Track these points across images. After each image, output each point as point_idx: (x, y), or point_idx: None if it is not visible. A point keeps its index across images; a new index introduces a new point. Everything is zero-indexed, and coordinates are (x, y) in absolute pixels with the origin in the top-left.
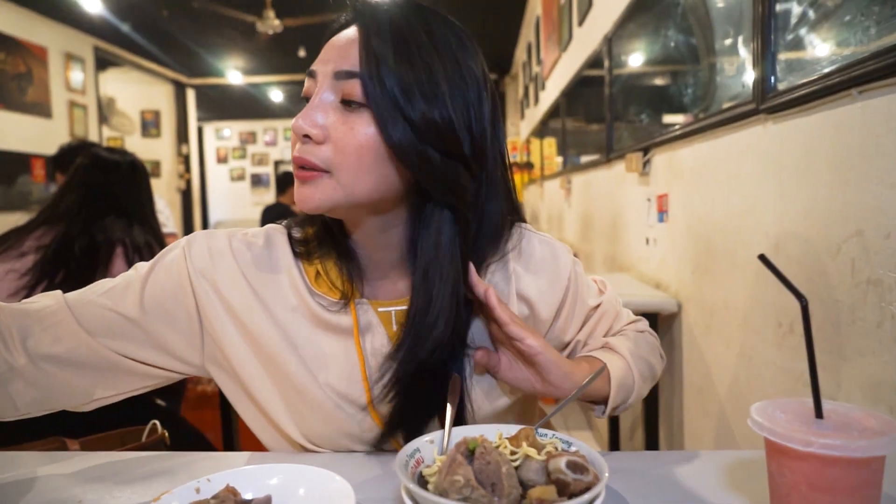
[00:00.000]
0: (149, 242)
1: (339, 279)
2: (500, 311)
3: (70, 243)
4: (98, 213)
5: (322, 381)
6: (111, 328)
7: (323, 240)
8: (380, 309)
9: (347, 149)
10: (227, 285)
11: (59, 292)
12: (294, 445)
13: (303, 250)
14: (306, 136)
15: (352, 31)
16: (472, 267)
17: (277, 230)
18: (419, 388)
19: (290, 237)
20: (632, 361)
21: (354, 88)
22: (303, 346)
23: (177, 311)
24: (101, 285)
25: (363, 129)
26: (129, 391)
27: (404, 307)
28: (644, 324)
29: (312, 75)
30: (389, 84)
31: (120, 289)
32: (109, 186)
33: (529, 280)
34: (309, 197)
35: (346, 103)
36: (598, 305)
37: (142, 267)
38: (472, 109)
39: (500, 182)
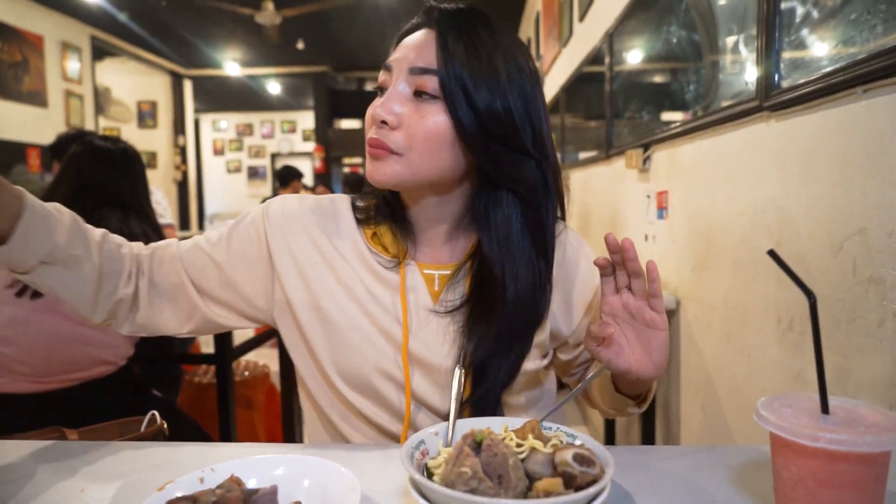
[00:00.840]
0: (146, 232)
1: (391, 242)
2: (638, 264)
3: None
4: (92, 204)
5: (367, 317)
6: (203, 268)
7: (381, 210)
8: (425, 271)
9: (418, 134)
10: (295, 238)
11: (174, 239)
12: (332, 389)
13: (363, 217)
14: (383, 121)
15: (424, 33)
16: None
17: (343, 198)
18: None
19: (353, 205)
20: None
21: (428, 82)
22: (354, 290)
23: (254, 258)
24: (201, 236)
25: (433, 117)
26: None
27: (447, 272)
28: None
29: (388, 68)
30: (461, 78)
31: (214, 238)
32: (103, 176)
33: (568, 272)
34: (380, 172)
35: (419, 94)
36: None
37: (229, 222)
38: (530, 104)
39: (558, 173)
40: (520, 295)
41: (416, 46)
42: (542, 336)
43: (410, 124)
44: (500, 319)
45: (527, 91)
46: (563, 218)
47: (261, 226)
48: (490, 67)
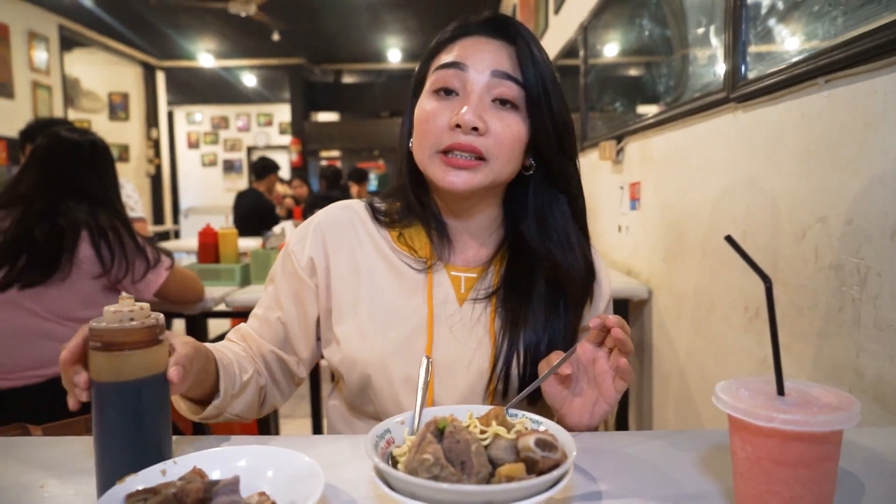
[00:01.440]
0: (114, 225)
1: (421, 244)
2: (624, 342)
3: (29, 228)
4: (58, 196)
5: (392, 319)
6: (283, 336)
7: (412, 211)
8: (452, 273)
9: (504, 141)
10: (329, 255)
11: (244, 329)
12: (358, 390)
13: (386, 220)
14: (474, 128)
15: (499, 38)
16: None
17: (358, 204)
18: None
19: (371, 208)
20: None
21: (511, 90)
22: (379, 293)
23: (306, 294)
24: (257, 307)
25: (515, 125)
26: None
27: (474, 275)
28: None
29: (462, 68)
30: (545, 91)
31: (268, 303)
32: (69, 168)
33: None
34: (465, 181)
35: (501, 102)
36: None
37: (273, 273)
38: (569, 114)
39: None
40: (574, 282)
41: (493, 51)
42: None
43: (497, 131)
44: (535, 310)
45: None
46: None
47: (293, 267)
48: (555, 80)
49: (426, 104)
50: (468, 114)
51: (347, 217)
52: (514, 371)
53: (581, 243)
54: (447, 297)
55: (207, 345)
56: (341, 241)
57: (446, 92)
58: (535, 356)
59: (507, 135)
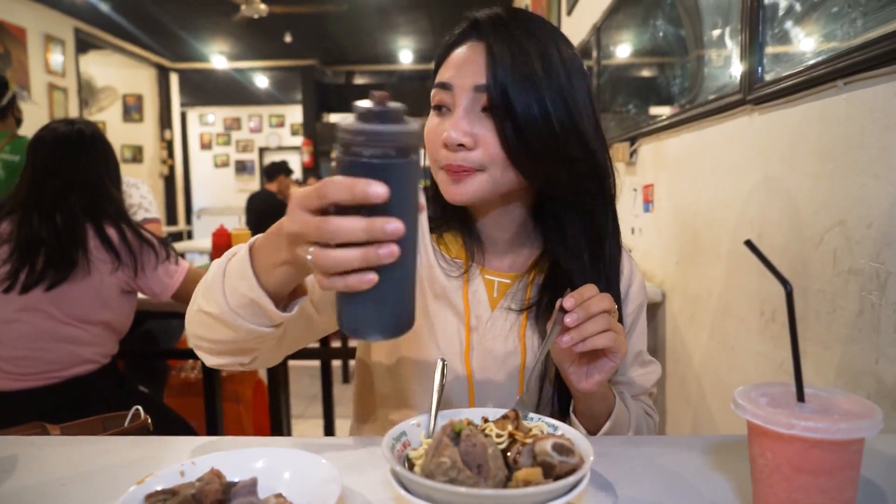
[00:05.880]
0: (108, 212)
1: (458, 249)
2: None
3: (34, 228)
4: (53, 191)
5: (432, 320)
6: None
7: (450, 217)
8: (487, 276)
9: (495, 150)
10: None
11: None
12: (395, 385)
13: (431, 225)
14: (461, 144)
15: (474, 47)
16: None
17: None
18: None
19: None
20: (632, 427)
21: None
22: (422, 291)
23: None
24: None
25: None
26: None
27: (507, 281)
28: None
29: (448, 87)
30: (501, 92)
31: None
32: (59, 160)
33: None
34: (463, 192)
35: (487, 110)
36: (639, 351)
37: None
38: (570, 102)
39: (612, 171)
40: None
41: (471, 62)
42: None
43: (488, 142)
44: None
45: (564, 89)
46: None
47: None
48: (529, 77)
49: (429, 120)
50: (451, 131)
51: None
52: (549, 377)
53: (591, 266)
54: (480, 300)
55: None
56: None
57: (441, 108)
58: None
59: (495, 142)
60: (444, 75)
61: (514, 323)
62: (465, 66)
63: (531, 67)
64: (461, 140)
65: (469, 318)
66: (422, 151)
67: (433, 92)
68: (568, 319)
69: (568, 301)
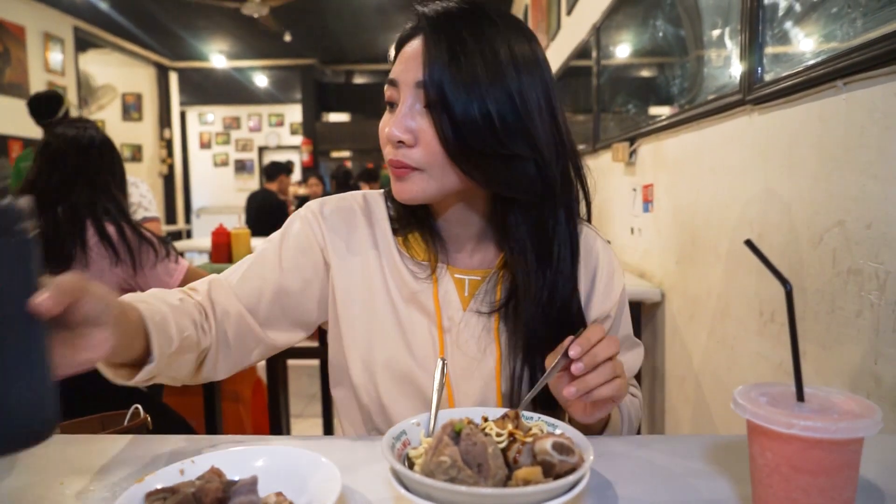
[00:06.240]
0: (109, 210)
1: (422, 248)
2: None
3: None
4: (58, 189)
5: (405, 320)
6: (259, 294)
7: (412, 216)
8: (456, 275)
9: (435, 149)
10: (340, 237)
11: (216, 278)
12: (374, 388)
13: (396, 226)
14: (400, 141)
15: (419, 42)
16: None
17: (377, 198)
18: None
19: (386, 205)
20: (626, 424)
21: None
22: (391, 292)
23: (309, 265)
24: (248, 258)
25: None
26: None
27: (478, 278)
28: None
29: (394, 84)
30: (441, 90)
31: (262, 258)
32: (68, 162)
33: (586, 277)
34: (407, 191)
35: (427, 107)
36: (626, 335)
37: (273, 237)
38: (519, 100)
39: (573, 170)
40: (540, 305)
41: (415, 57)
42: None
43: (427, 140)
44: (525, 328)
45: (511, 87)
46: (589, 214)
47: (315, 230)
48: (470, 74)
49: (383, 117)
50: (392, 128)
51: (368, 209)
52: (525, 377)
53: (539, 265)
54: (450, 299)
55: (132, 297)
56: (360, 228)
57: (391, 106)
58: (542, 365)
59: (437, 141)
60: (393, 71)
61: (487, 321)
62: (410, 61)
63: (471, 65)
64: (400, 137)
65: (441, 320)
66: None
67: (385, 88)
68: (574, 369)
69: (574, 349)
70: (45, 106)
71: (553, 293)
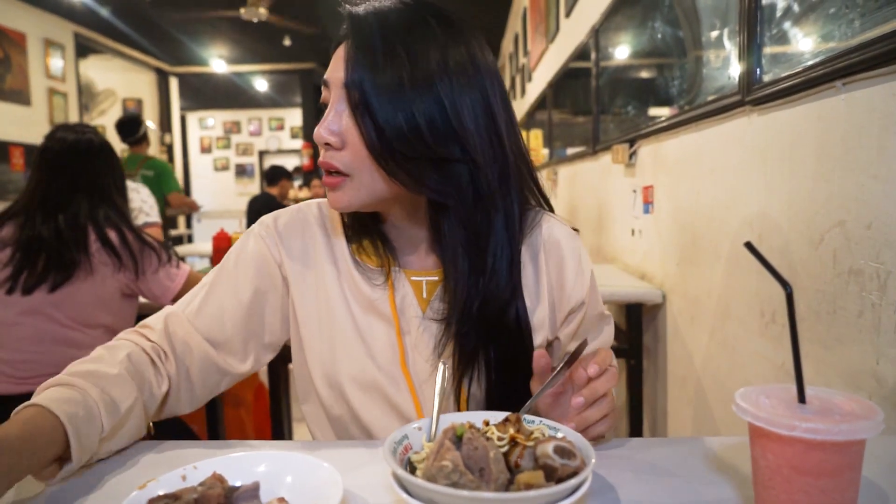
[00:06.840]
0: (110, 216)
1: (374, 253)
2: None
3: (35, 229)
4: (58, 195)
5: (364, 328)
6: (219, 323)
7: (359, 224)
8: (413, 277)
9: (362, 152)
10: (294, 252)
11: (173, 311)
12: (342, 399)
13: (348, 233)
14: (327, 143)
15: (348, 43)
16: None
17: (327, 210)
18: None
19: (340, 216)
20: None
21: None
22: (348, 301)
23: (267, 285)
24: (199, 287)
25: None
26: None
27: (435, 279)
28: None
29: (326, 85)
30: (363, 93)
31: (216, 285)
32: (68, 167)
33: (554, 270)
34: (338, 201)
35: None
36: (600, 312)
37: (228, 259)
38: (450, 105)
39: (515, 175)
40: (470, 314)
41: (343, 58)
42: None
43: (354, 143)
44: (455, 337)
45: (441, 92)
46: (550, 208)
47: (270, 246)
48: (393, 78)
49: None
50: (319, 129)
51: (320, 218)
52: (483, 379)
53: (469, 268)
54: (408, 302)
55: (56, 389)
56: (307, 245)
57: (326, 106)
58: (497, 368)
59: (360, 143)
60: (327, 71)
61: (443, 325)
62: (339, 62)
63: (396, 68)
64: (327, 139)
65: (399, 324)
66: None
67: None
68: (574, 403)
69: (592, 368)
70: (128, 126)
71: (487, 303)
